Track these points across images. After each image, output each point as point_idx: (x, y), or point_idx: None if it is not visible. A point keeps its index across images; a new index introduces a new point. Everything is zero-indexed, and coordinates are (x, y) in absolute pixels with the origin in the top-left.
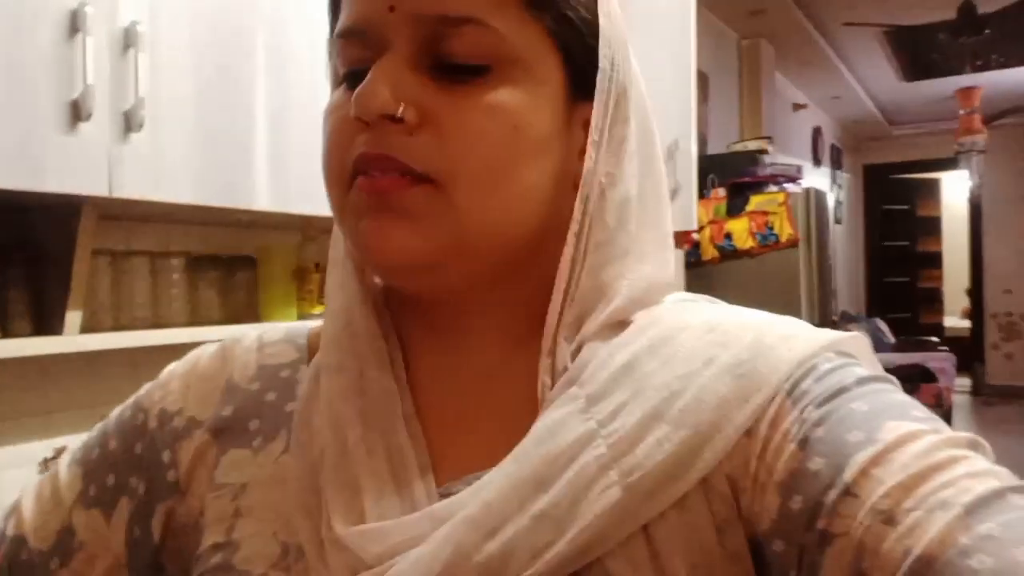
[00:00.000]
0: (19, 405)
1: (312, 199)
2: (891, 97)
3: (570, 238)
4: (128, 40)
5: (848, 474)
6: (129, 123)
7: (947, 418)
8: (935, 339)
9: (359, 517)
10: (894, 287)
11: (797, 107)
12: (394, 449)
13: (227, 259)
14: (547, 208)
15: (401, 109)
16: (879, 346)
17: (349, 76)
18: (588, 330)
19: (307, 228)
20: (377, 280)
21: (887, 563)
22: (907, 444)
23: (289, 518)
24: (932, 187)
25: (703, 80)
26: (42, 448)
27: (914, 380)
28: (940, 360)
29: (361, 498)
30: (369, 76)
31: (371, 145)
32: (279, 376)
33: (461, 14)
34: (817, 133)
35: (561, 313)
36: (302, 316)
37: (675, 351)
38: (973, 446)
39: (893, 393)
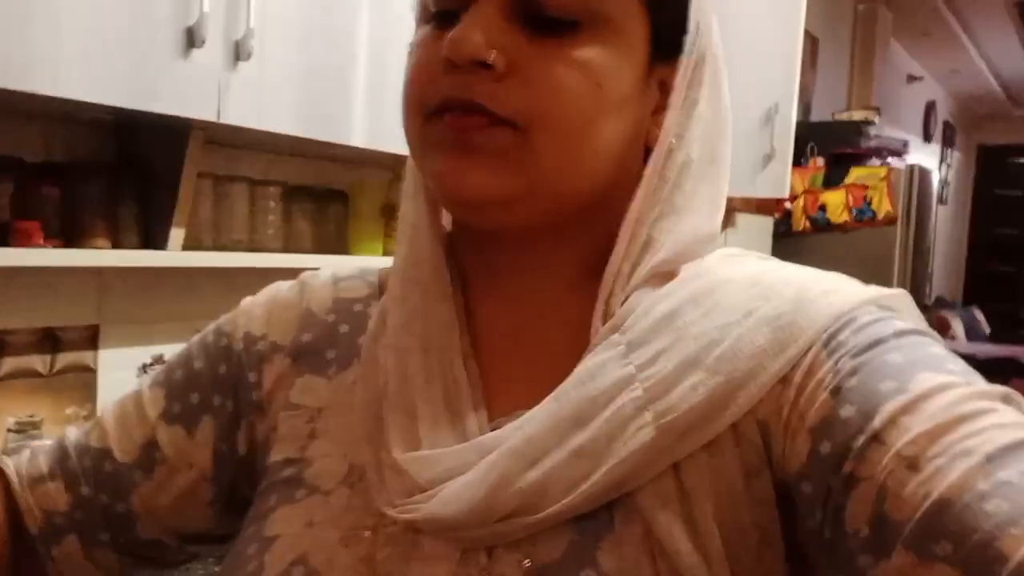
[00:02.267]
0: (124, 312)
1: (403, 140)
2: (1016, 74)
3: (640, 194)
4: None
5: (877, 421)
6: (239, 52)
7: None
8: None
9: (415, 444)
10: (998, 276)
11: (912, 79)
12: (450, 380)
13: (320, 191)
14: (617, 164)
15: (492, 56)
16: (972, 336)
17: (439, 15)
18: (634, 280)
19: (398, 166)
20: (445, 223)
21: (907, 506)
22: (937, 395)
23: (355, 442)
24: None
25: (813, 43)
26: (142, 354)
27: (1006, 373)
28: None
29: (417, 425)
30: (464, 20)
31: (457, 89)
32: (352, 310)
33: None
34: (930, 108)
35: (620, 264)
36: (388, 252)
37: (717, 302)
38: (1006, 400)
39: (930, 346)
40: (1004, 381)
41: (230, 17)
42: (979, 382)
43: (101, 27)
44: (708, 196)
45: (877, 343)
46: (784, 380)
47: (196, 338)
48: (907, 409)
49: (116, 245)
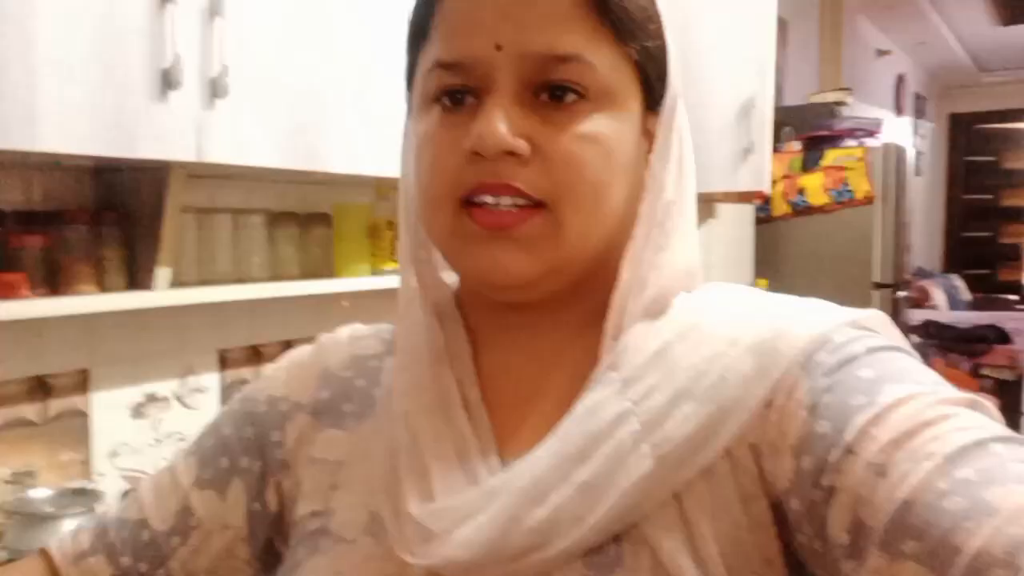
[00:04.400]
0: (113, 354)
1: (383, 162)
2: (982, 42)
3: (638, 238)
4: (213, 9)
5: (849, 434)
6: (215, 90)
7: (1019, 381)
8: (1014, 297)
9: (429, 495)
10: (974, 242)
11: (881, 53)
12: (458, 435)
13: (304, 216)
14: (624, 216)
15: (520, 145)
16: (954, 304)
17: (445, 100)
18: (628, 319)
19: (379, 186)
20: (450, 280)
21: (878, 510)
22: (903, 405)
23: (375, 492)
24: (1020, 138)
25: (782, 26)
26: (134, 393)
27: (988, 340)
28: (1018, 320)
29: (430, 479)
30: (484, 114)
31: (491, 175)
32: (368, 365)
33: (567, 52)
34: (900, 81)
35: (623, 304)
36: (375, 272)
37: (703, 335)
38: (973, 405)
39: (901, 360)
40: (987, 349)
41: (204, 56)
42: (945, 390)
43: (76, 78)
44: (683, 231)
45: (849, 361)
46: (768, 403)
47: (224, 408)
48: (876, 420)
49: (102, 288)
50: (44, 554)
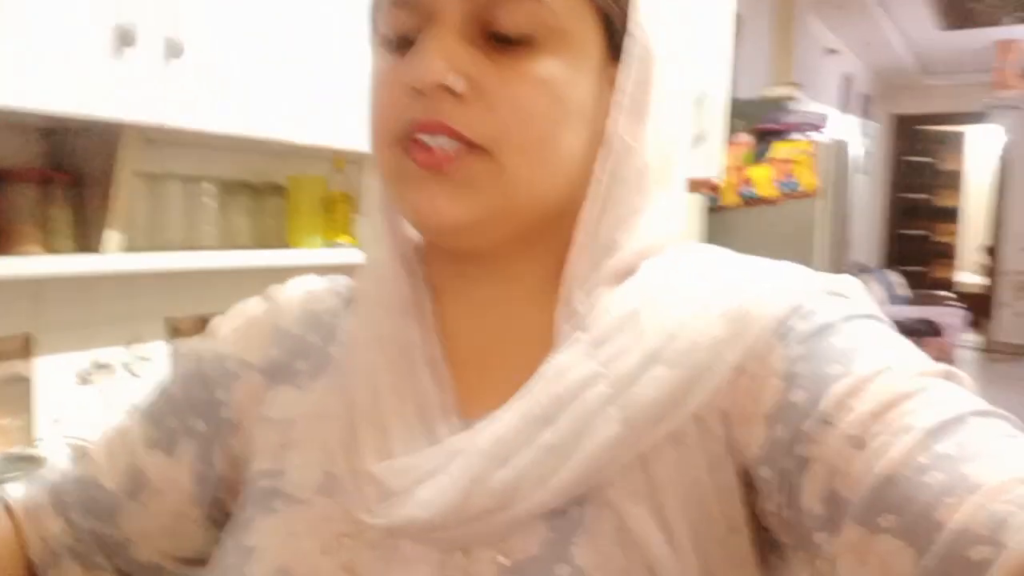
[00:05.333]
0: (60, 318)
1: (342, 132)
2: (926, 45)
3: (590, 194)
4: None
5: (824, 404)
6: (173, 50)
7: None
8: (947, 294)
9: (388, 453)
10: (910, 240)
11: (830, 52)
12: (420, 392)
13: (257, 186)
14: (582, 167)
15: (454, 80)
16: (891, 299)
17: (397, 42)
18: (596, 280)
19: (335, 159)
20: (412, 233)
21: (855, 482)
22: (880, 375)
23: (330, 451)
24: (956, 140)
25: (736, 21)
26: (80, 359)
27: (921, 334)
28: (949, 315)
29: (390, 436)
30: (423, 47)
31: (425, 112)
32: (322, 321)
33: None
34: (847, 80)
35: (578, 266)
36: (328, 244)
37: (674, 298)
38: (948, 376)
39: (875, 329)
40: (919, 342)
41: (162, 14)
42: (921, 361)
43: (29, 32)
44: (665, 199)
45: (824, 328)
46: (740, 369)
47: (173, 366)
48: (852, 391)
49: (49, 250)
50: (7, 507)
